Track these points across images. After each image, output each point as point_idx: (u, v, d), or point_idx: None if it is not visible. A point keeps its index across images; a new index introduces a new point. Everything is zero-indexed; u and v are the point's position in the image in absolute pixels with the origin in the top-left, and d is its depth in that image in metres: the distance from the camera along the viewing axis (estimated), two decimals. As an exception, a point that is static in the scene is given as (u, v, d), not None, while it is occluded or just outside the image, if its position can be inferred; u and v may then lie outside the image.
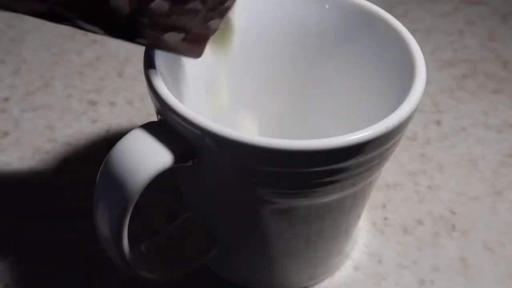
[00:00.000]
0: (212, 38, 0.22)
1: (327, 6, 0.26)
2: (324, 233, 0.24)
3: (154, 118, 0.22)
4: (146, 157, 0.20)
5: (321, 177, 0.20)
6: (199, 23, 0.20)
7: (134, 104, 0.36)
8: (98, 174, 0.21)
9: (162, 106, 0.21)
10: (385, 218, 0.30)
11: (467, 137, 0.34)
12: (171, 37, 0.20)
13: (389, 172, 0.32)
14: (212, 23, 0.21)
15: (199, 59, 0.22)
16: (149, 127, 0.21)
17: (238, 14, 0.24)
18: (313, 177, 0.20)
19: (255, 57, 0.27)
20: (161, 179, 0.21)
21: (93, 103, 0.36)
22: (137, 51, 0.39)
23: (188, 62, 0.25)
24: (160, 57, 0.22)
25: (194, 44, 0.21)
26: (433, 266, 0.28)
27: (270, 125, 0.29)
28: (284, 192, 0.21)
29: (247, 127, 0.29)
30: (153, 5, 0.19)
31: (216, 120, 0.20)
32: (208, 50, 0.22)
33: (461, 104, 0.36)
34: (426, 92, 0.36)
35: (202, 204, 0.25)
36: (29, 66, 0.38)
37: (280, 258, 0.25)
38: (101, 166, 0.21)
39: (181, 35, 0.20)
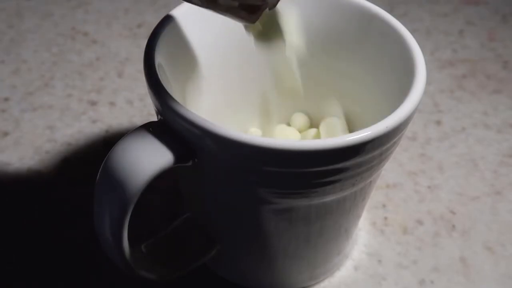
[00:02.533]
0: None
1: (326, 7, 0.26)
2: (324, 233, 0.24)
3: (154, 118, 0.22)
4: (146, 157, 0.20)
5: (321, 177, 0.20)
6: None
7: (134, 104, 0.36)
8: (98, 174, 0.21)
9: (162, 106, 0.21)
10: (385, 218, 0.30)
11: (467, 137, 0.34)
12: (225, 2, 0.20)
13: (389, 172, 0.32)
14: None
15: (200, 59, 0.22)
16: (149, 127, 0.21)
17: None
18: (313, 177, 0.20)
19: (259, 56, 0.27)
20: (161, 179, 0.21)
21: (93, 103, 0.36)
22: (137, 51, 0.39)
23: (188, 62, 0.25)
24: (160, 57, 0.22)
25: (247, 12, 0.21)
26: (433, 266, 0.28)
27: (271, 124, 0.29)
28: (284, 192, 0.21)
29: (251, 128, 0.29)
30: None
31: (216, 120, 0.20)
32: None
33: (461, 104, 0.36)
34: (426, 92, 0.36)
35: (202, 204, 0.25)
36: (29, 66, 0.38)
37: (280, 258, 0.25)
38: (101, 166, 0.21)
39: (235, 2, 0.20)
